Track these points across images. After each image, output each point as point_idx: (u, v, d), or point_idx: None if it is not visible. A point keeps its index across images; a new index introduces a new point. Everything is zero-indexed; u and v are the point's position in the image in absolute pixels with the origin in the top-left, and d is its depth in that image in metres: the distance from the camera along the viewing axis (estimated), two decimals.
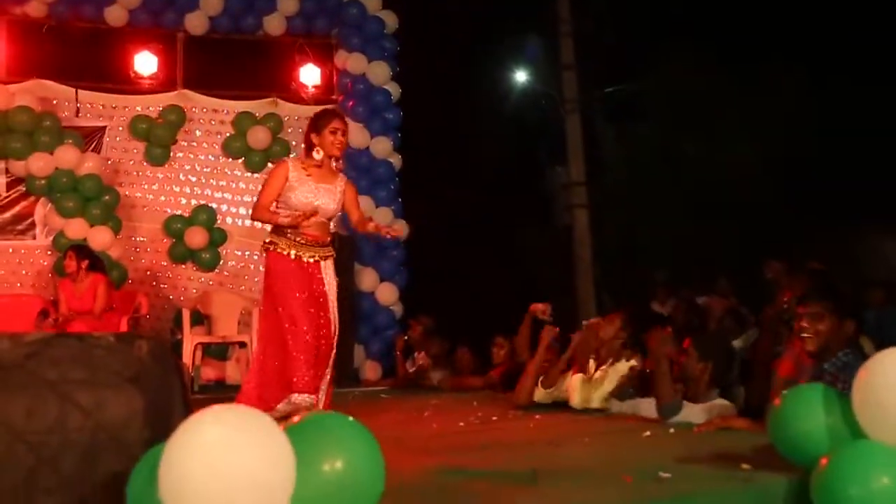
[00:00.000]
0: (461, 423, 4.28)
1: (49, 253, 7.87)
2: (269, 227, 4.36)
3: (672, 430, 3.58)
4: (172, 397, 2.09)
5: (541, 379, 4.80)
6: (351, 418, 1.94)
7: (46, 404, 1.90)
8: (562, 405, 4.67)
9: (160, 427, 1.98)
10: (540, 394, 4.81)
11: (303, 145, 4.53)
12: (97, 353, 2.02)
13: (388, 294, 8.48)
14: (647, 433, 3.50)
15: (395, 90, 8.78)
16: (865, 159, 9.61)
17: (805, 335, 3.29)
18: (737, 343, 5.11)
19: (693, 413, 3.73)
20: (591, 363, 4.67)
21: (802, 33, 10.37)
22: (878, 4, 9.41)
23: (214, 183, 8.56)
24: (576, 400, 4.53)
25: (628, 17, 11.02)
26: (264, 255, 4.30)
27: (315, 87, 8.80)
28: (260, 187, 4.48)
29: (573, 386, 4.59)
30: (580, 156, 11.59)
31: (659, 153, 12.04)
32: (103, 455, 1.94)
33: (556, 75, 11.70)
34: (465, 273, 11.78)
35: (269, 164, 8.61)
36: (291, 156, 8.55)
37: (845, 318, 3.29)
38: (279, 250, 4.23)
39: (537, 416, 4.43)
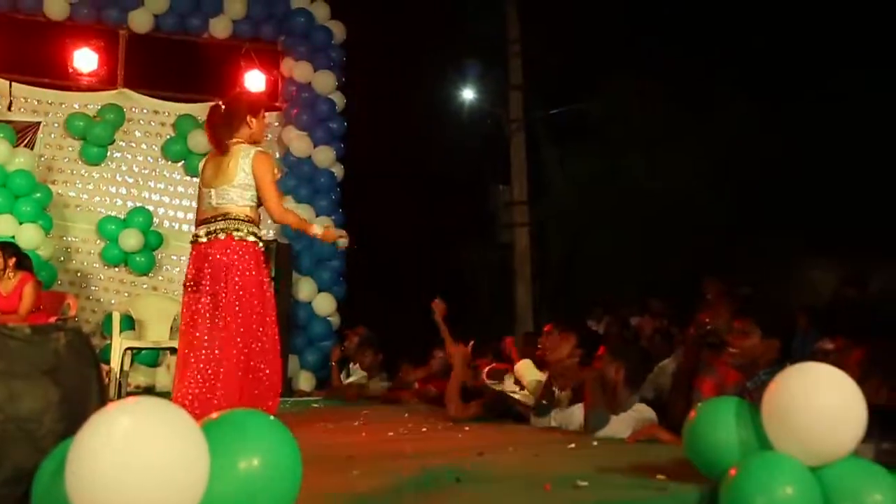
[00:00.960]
0: (390, 433, 4.28)
1: None
2: (239, 216, 4.06)
3: (596, 443, 3.64)
4: (89, 391, 2.06)
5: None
6: (270, 416, 1.94)
7: None
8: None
9: (75, 420, 1.94)
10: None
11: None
12: (12, 345, 1.99)
13: (325, 305, 8.43)
14: (572, 445, 3.56)
15: (339, 100, 8.78)
16: (804, 184, 9.91)
17: (731, 349, 3.43)
18: (667, 363, 5.21)
19: (618, 426, 3.80)
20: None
21: (747, 57, 10.69)
22: (821, 29, 9.74)
23: (152, 185, 8.43)
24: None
25: (575, 40, 11.22)
26: (244, 248, 4.03)
27: (259, 92, 8.74)
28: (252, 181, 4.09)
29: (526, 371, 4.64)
30: (524, 175, 11.75)
31: (602, 175, 12.26)
32: (12, 448, 1.90)
33: (503, 94, 11.86)
34: (405, 286, 11.80)
35: None
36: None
37: (772, 337, 3.41)
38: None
39: (466, 428, 4.46)
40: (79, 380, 2.06)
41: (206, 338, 3.87)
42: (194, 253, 4.13)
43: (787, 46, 10.27)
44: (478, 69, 12.17)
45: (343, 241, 4.69)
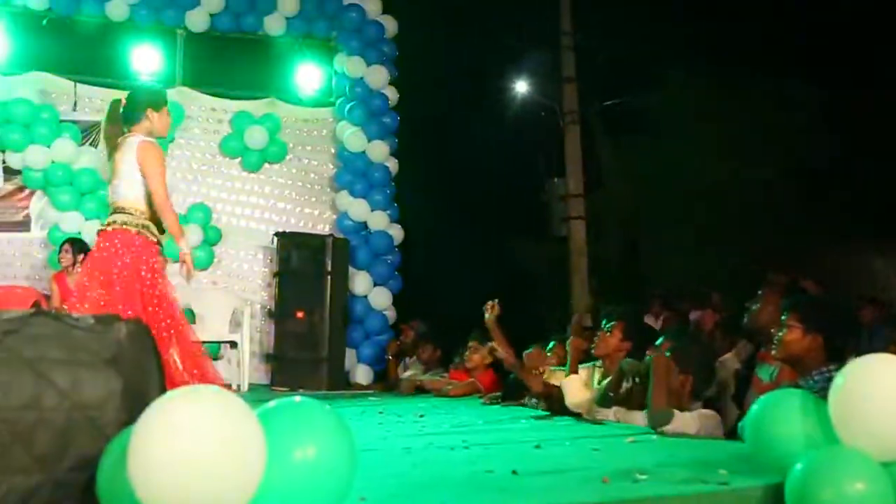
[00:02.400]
0: (447, 426, 4.28)
1: (44, 246, 7.86)
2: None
3: (655, 438, 3.57)
4: (149, 380, 2.09)
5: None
6: (326, 405, 1.94)
7: (23, 381, 1.89)
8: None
9: (136, 409, 1.97)
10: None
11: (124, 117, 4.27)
12: (76, 334, 2.02)
13: (381, 298, 8.48)
14: (631, 439, 3.50)
15: (392, 94, 8.81)
16: (869, 175, 9.64)
17: (773, 343, 3.38)
18: (728, 357, 5.10)
19: (684, 421, 3.73)
20: (587, 370, 4.65)
21: (811, 46, 10.42)
22: (875, 19, 9.46)
23: (210, 181, 8.57)
24: (573, 401, 4.49)
25: (630, 30, 11.06)
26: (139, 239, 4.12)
27: (313, 88, 8.83)
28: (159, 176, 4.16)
29: (571, 387, 4.55)
30: (579, 168, 11.63)
31: (659, 166, 12.09)
32: (78, 435, 1.94)
33: (557, 87, 11.75)
34: (460, 280, 11.79)
35: (266, 164, 8.64)
36: (287, 157, 8.62)
37: (815, 332, 3.29)
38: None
39: (523, 421, 4.43)
40: (140, 369, 2.09)
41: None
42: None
43: (853, 34, 9.98)
44: (531, 62, 12.09)
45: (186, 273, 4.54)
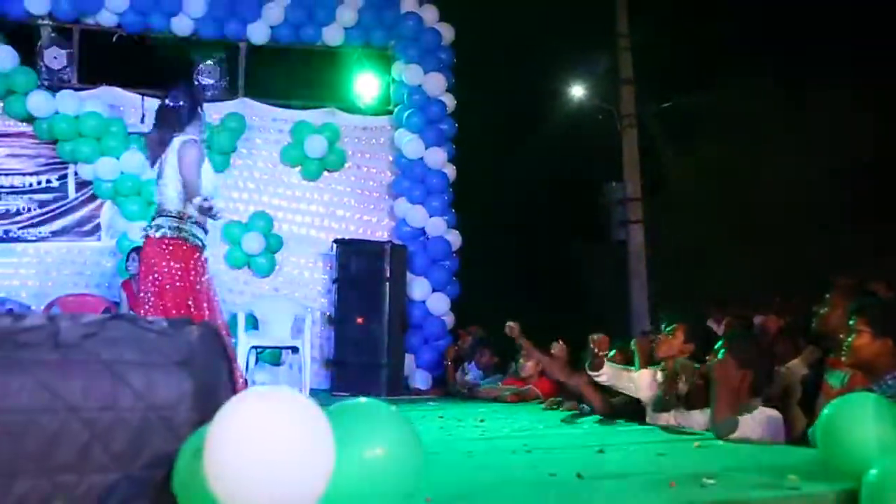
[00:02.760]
0: (508, 430, 4.28)
1: (113, 254, 8.10)
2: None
3: (721, 443, 3.52)
4: (220, 381, 2.15)
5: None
6: (392, 406, 1.97)
7: (101, 383, 1.96)
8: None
9: (208, 409, 2.02)
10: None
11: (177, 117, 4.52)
12: (150, 337, 2.09)
13: (439, 304, 8.51)
14: (697, 444, 3.45)
15: (450, 101, 8.85)
16: None
17: (842, 349, 3.30)
18: (795, 363, 4.99)
19: (748, 428, 3.66)
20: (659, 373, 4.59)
21: (870, 45, 10.15)
22: None
23: (272, 190, 8.72)
24: (645, 394, 4.42)
25: (688, 33, 10.92)
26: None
27: (371, 97, 8.93)
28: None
29: (643, 381, 4.48)
30: (637, 171, 11.52)
31: (719, 168, 11.89)
32: (153, 435, 2.00)
33: (614, 90, 11.67)
34: (518, 285, 11.78)
35: (325, 173, 8.77)
36: (346, 165, 8.72)
37: (885, 336, 3.21)
38: None
39: (584, 425, 4.40)
40: (210, 371, 2.15)
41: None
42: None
43: None
44: (587, 64, 12.02)
45: None
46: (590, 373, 4.52)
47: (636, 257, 11.42)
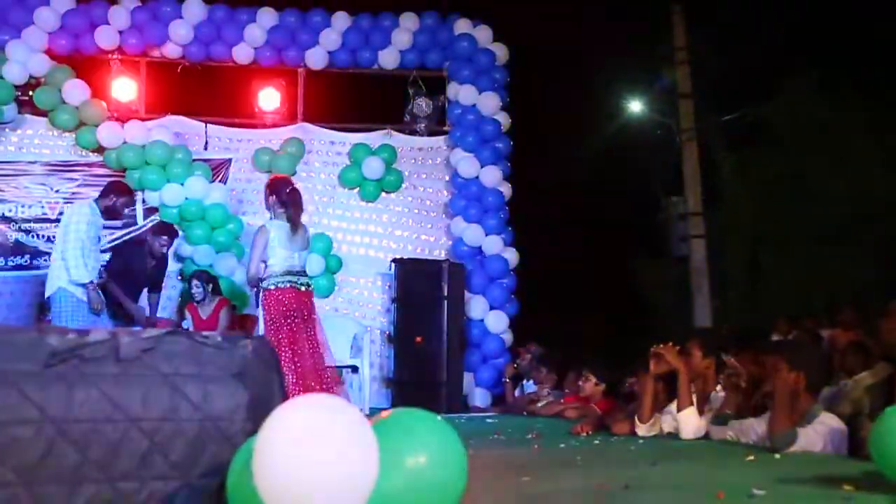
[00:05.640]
0: (562, 445, 4.28)
1: (179, 278, 8.36)
2: None
3: (778, 456, 3.46)
4: (273, 393, 2.23)
5: (636, 415, 4.68)
6: (437, 416, 2.01)
7: (160, 395, 2.06)
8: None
9: (261, 419, 2.10)
10: (640, 429, 4.67)
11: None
12: (206, 351, 2.18)
13: (497, 322, 8.53)
14: (751, 457, 3.40)
15: (505, 120, 8.91)
16: None
17: None
18: (864, 376, 4.86)
19: (808, 440, 3.59)
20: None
21: None
22: None
23: (331, 212, 8.89)
24: (689, 433, 4.35)
25: (744, 42, 10.78)
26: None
27: (427, 118, 9.04)
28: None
29: (686, 419, 4.43)
30: (697, 185, 11.39)
31: (782, 180, 11.65)
32: (209, 444, 2.09)
33: (672, 103, 11.58)
34: (576, 302, 11.72)
35: (383, 194, 8.91)
36: (403, 186, 8.87)
37: None
38: None
39: (640, 441, 4.37)
40: (264, 383, 2.23)
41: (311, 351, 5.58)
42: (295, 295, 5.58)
43: None
44: (644, 79, 11.96)
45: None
46: (638, 424, 4.52)
47: (698, 272, 11.25)
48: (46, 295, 5.83)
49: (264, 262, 5.54)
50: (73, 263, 5.56)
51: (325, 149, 8.97)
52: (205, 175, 8.33)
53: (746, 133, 11.96)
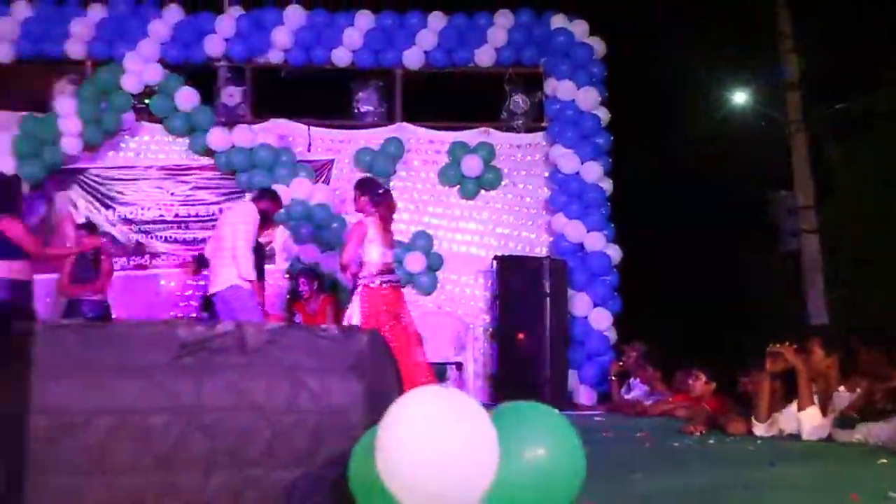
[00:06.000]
0: (675, 444, 4.18)
1: (286, 276, 8.59)
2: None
3: None
4: (389, 384, 2.26)
5: (753, 414, 4.52)
6: (554, 410, 2.00)
7: (282, 385, 2.12)
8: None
9: (379, 411, 2.13)
10: (758, 429, 4.51)
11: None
12: (323, 344, 2.23)
13: (601, 319, 8.41)
14: (883, 460, 3.23)
15: (604, 115, 8.78)
16: None
17: None
18: None
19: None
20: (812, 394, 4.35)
21: None
22: None
23: (431, 210, 8.95)
24: (811, 433, 4.18)
25: (855, 27, 10.28)
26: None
27: (525, 114, 8.99)
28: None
29: (808, 419, 4.25)
30: (807, 178, 10.94)
31: (890, 173, 11.07)
32: (329, 435, 2.13)
33: (779, 94, 11.15)
34: (682, 299, 11.43)
35: (482, 191, 8.91)
36: (503, 183, 8.85)
37: None
38: None
39: (759, 441, 4.22)
40: (380, 374, 2.26)
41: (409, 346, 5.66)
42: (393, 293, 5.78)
43: None
44: (749, 69, 11.56)
45: None
46: (755, 423, 4.37)
47: (811, 268, 10.81)
48: (213, 291, 5.93)
49: (360, 257, 5.66)
50: (244, 261, 5.76)
51: (424, 147, 9.04)
52: (309, 176, 8.53)
53: (853, 124, 11.41)
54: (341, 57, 8.86)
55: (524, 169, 9.05)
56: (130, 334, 2.02)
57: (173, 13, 8.70)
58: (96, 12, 8.60)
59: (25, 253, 5.67)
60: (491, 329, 8.49)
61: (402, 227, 8.81)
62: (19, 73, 8.61)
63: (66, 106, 8.12)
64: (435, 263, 8.67)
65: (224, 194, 8.82)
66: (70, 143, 8.15)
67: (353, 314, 5.65)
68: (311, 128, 8.93)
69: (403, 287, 8.69)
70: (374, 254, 5.67)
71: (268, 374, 2.11)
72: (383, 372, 2.26)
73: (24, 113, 8.29)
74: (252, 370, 2.10)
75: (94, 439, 1.88)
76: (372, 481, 1.84)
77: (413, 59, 8.91)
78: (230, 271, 5.78)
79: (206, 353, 2.08)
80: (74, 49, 8.50)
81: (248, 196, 8.48)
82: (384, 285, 5.67)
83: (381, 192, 6.02)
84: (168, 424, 1.96)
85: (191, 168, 8.76)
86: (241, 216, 6.03)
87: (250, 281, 5.84)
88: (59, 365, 1.90)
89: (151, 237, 8.60)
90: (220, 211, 8.79)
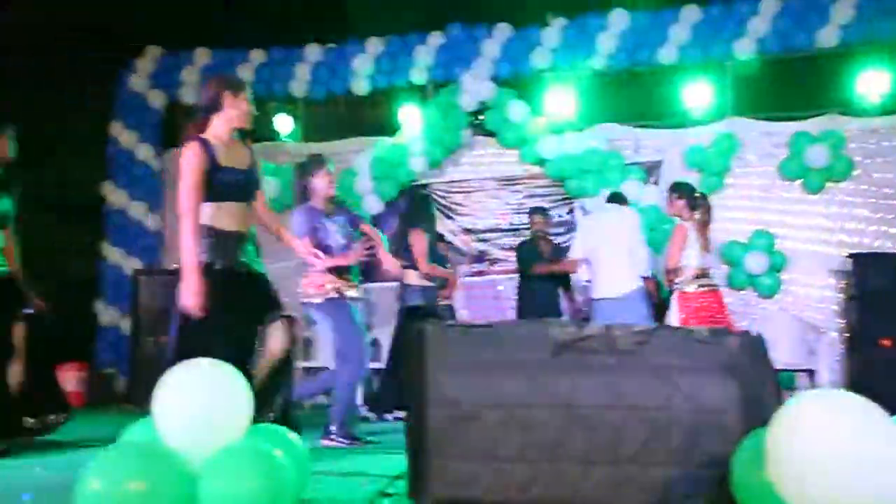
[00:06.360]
0: None
1: None
2: None
3: None
4: (764, 388, 2.16)
5: None
6: None
7: (654, 385, 2.13)
8: None
9: (755, 415, 2.06)
10: None
11: None
12: (693, 345, 2.20)
13: None
14: None
15: None
16: None
17: None
18: None
19: None
20: None
21: None
22: None
23: (771, 207, 8.43)
24: None
25: None
26: None
27: (879, 95, 8.10)
28: None
29: None
30: None
31: None
32: (703, 436, 2.10)
33: None
34: None
35: (829, 184, 8.21)
36: (853, 173, 8.06)
37: None
38: None
39: None
40: (754, 377, 2.18)
41: None
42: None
43: None
44: None
45: None
46: None
47: None
48: (620, 293, 6.07)
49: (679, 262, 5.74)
50: (644, 262, 6.25)
51: (760, 141, 8.54)
52: (639, 178, 8.47)
53: None
54: (667, 55, 8.67)
55: (880, 156, 8.17)
56: (510, 334, 2.16)
57: (503, 31, 9.14)
58: (435, 40, 9.31)
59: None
60: (845, 333, 7.76)
61: (740, 226, 8.43)
62: (372, 103, 9.62)
63: (412, 129, 8.92)
64: (777, 263, 8.15)
65: (554, 201, 9.08)
66: (417, 163, 8.93)
67: (671, 320, 5.69)
68: (639, 129, 8.86)
69: (742, 290, 8.39)
70: (692, 258, 5.72)
71: (639, 373, 2.14)
72: (758, 375, 2.17)
73: (376, 138, 9.24)
74: (624, 370, 2.14)
75: (485, 430, 2.03)
76: (758, 486, 1.78)
77: (744, 48, 8.44)
78: (635, 273, 6.11)
79: (579, 353, 2.15)
80: (418, 75, 9.28)
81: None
82: (701, 290, 5.71)
83: (696, 194, 6.04)
84: (550, 419, 2.06)
85: (522, 178, 9.15)
86: (630, 219, 6.43)
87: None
88: (452, 362, 2.08)
89: (490, 245, 9.13)
90: (552, 217, 9.09)
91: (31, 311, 4.86)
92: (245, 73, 9.48)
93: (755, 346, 2.22)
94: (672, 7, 8.79)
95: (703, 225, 5.90)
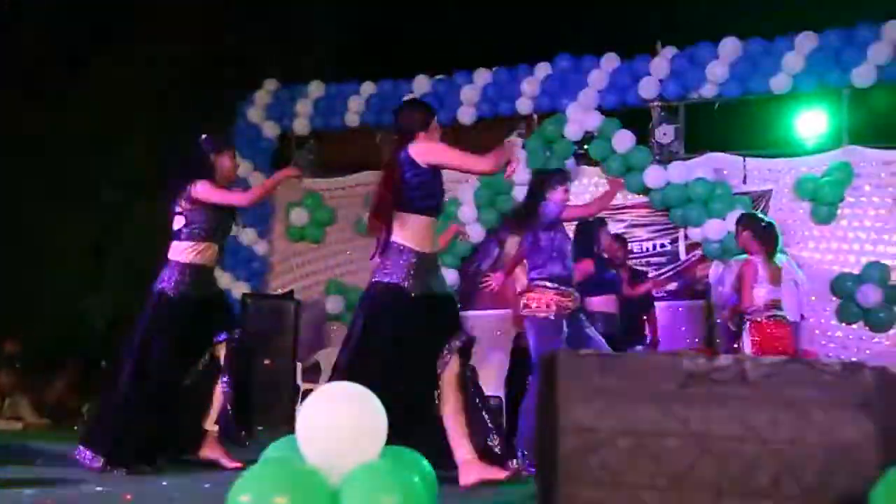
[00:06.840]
0: None
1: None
2: None
3: None
4: None
5: None
6: None
7: (786, 418, 2.14)
8: None
9: (892, 452, 2.05)
10: None
11: None
12: (826, 378, 2.20)
13: None
14: None
15: None
16: None
17: None
18: None
19: None
20: None
21: None
22: None
23: (886, 238, 8.15)
24: None
25: None
26: None
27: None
28: None
29: None
30: None
31: None
32: (838, 473, 2.10)
33: None
34: None
35: None
36: None
37: None
38: None
39: None
40: (890, 413, 2.16)
41: None
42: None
43: None
44: None
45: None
46: None
47: None
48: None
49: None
50: None
51: (878, 171, 8.28)
52: (745, 208, 8.32)
53: None
54: (780, 83, 8.51)
55: None
56: (640, 364, 2.22)
57: (610, 62, 9.17)
58: (542, 71, 9.43)
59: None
60: None
61: (853, 258, 8.19)
62: (477, 131, 9.78)
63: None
64: (892, 296, 7.86)
65: (656, 231, 9.03)
66: (521, 192, 9.02)
67: (745, 349, 5.86)
68: (747, 159, 8.72)
69: (853, 324, 8.09)
70: (762, 290, 5.91)
71: (771, 406, 2.16)
72: (893, 410, 2.16)
73: None
74: (755, 402, 2.16)
75: (616, 458, 2.09)
76: None
77: (863, 76, 8.20)
78: None
79: (710, 384, 2.19)
80: (523, 105, 9.40)
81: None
82: (770, 320, 5.86)
83: (764, 225, 6.18)
84: (680, 448, 2.10)
85: (626, 207, 9.12)
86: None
87: None
88: (584, 389, 2.16)
89: None
90: (654, 247, 9.03)
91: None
92: (355, 104, 9.91)
93: (890, 381, 2.21)
94: (785, 35, 8.64)
95: (770, 256, 6.09)
